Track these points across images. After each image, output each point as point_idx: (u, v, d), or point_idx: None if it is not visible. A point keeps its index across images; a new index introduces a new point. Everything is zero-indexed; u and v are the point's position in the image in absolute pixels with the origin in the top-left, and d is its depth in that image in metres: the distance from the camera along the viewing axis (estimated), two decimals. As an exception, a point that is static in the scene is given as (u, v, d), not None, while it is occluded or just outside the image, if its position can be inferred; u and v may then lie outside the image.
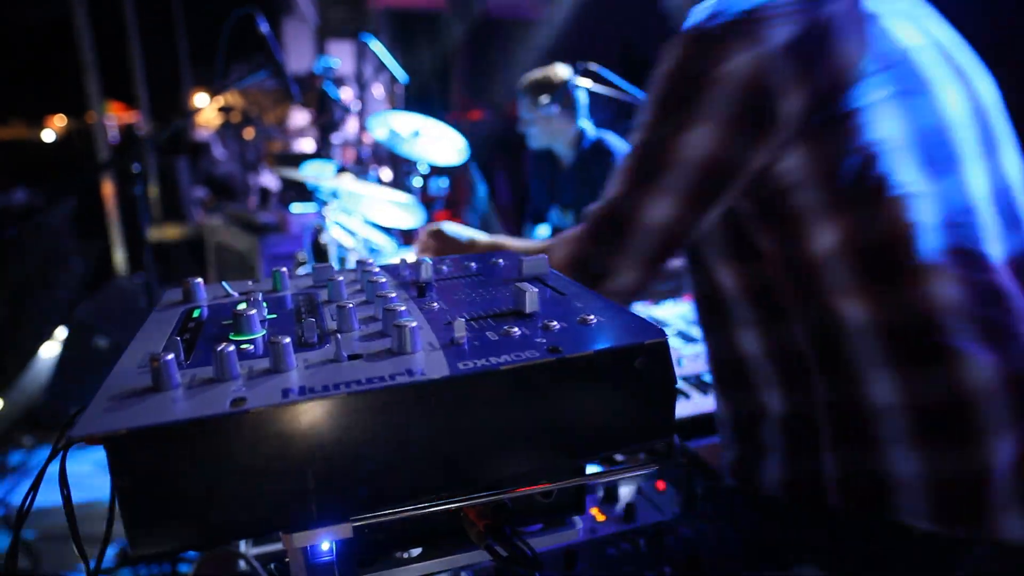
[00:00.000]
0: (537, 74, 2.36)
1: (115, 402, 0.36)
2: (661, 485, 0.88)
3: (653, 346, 0.43)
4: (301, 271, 0.59)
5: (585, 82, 2.12)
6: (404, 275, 0.59)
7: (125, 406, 0.35)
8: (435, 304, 0.50)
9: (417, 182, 3.04)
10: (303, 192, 4.38)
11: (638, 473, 0.47)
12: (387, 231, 2.82)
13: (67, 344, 2.87)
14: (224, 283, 0.56)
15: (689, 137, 0.76)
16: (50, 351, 3.81)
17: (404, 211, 2.66)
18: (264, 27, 1.98)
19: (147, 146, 1.86)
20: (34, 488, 0.50)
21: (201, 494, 0.36)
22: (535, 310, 0.47)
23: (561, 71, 2.31)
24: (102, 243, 5.54)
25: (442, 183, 3.17)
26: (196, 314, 0.51)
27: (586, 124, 2.42)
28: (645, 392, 0.44)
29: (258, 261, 3.57)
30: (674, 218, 0.79)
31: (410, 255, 1.66)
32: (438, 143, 2.91)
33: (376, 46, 3.36)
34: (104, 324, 2.89)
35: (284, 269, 0.57)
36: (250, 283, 0.59)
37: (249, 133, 9.11)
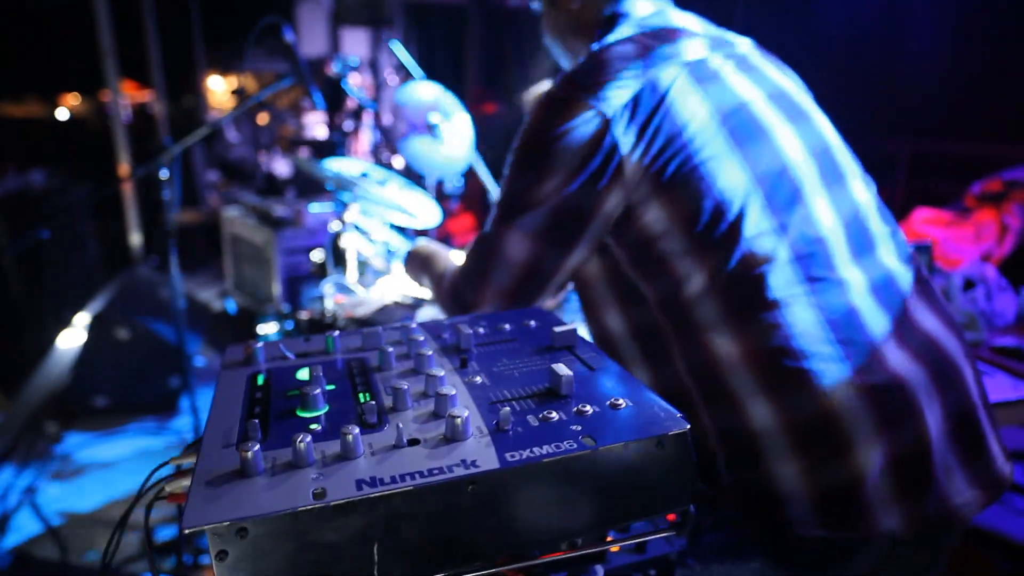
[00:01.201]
0: (541, 89, 2.38)
1: (212, 490, 0.41)
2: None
3: (677, 435, 0.48)
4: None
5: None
6: (445, 339, 0.64)
7: (222, 495, 0.41)
8: (478, 378, 0.55)
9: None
10: (315, 183, 4.42)
11: (656, 537, 0.52)
12: (403, 231, 2.87)
13: (89, 334, 2.95)
14: (281, 345, 0.62)
15: (543, 185, 0.87)
16: (71, 339, 3.89)
17: (420, 211, 2.70)
18: (289, 36, 2.01)
19: (175, 156, 1.91)
20: (118, 533, 0.56)
21: (285, 567, 0.41)
22: (570, 392, 0.52)
23: None
24: (118, 226, 5.60)
25: (457, 181, 3.20)
26: (260, 381, 0.57)
27: None
28: (667, 471, 0.50)
29: (274, 255, 3.63)
30: (533, 256, 0.89)
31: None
32: (458, 135, 2.93)
33: (396, 47, 3.37)
34: (125, 316, 2.97)
35: (336, 333, 0.62)
36: (303, 341, 0.65)
37: (263, 118, 9.14)
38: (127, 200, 5.34)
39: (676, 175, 0.86)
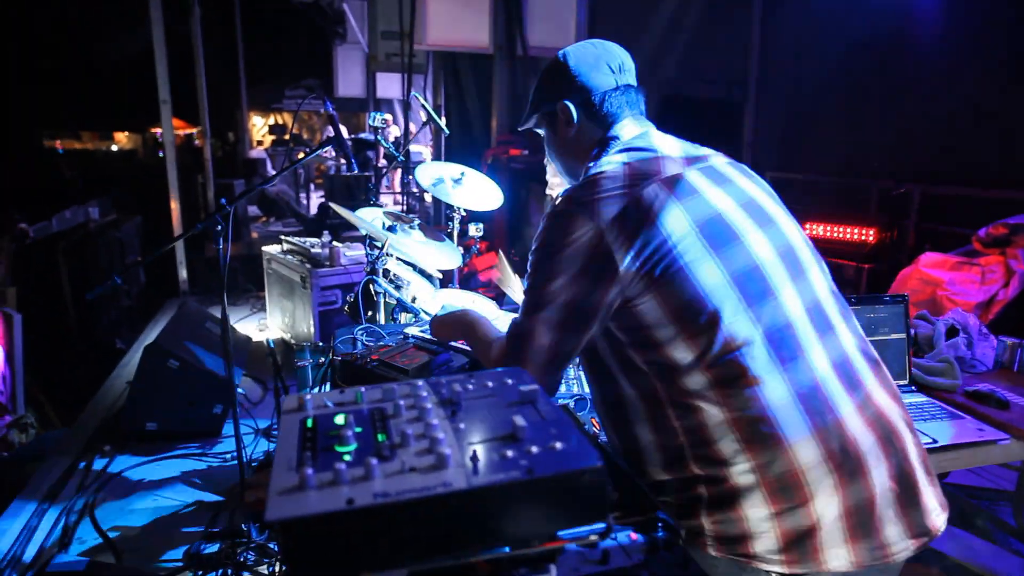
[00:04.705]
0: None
1: (282, 497, 0.65)
2: (634, 536, 1.14)
3: (593, 469, 0.70)
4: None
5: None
6: (443, 393, 0.87)
7: (289, 500, 0.64)
8: (462, 424, 0.78)
9: (456, 225, 3.35)
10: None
11: (583, 544, 0.74)
12: (427, 274, 3.13)
13: (143, 364, 3.24)
14: (325, 397, 0.86)
15: (554, 284, 1.09)
16: (125, 367, 4.22)
17: (443, 254, 2.96)
18: (329, 107, 2.31)
19: (229, 213, 2.19)
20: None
21: (326, 551, 0.64)
22: (523, 437, 0.75)
23: None
24: (166, 260, 5.99)
25: (478, 228, 3.46)
26: (309, 424, 0.80)
27: None
28: (587, 493, 0.72)
29: (310, 291, 3.93)
30: (555, 340, 1.11)
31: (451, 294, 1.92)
32: (478, 190, 3.21)
33: (420, 98, 3.69)
34: (176, 349, 3.26)
35: (364, 389, 0.86)
36: (338, 394, 0.88)
37: (301, 155, 9.62)
38: (176, 236, 5.74)
39: (663, 275, 1.05)
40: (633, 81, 1.29)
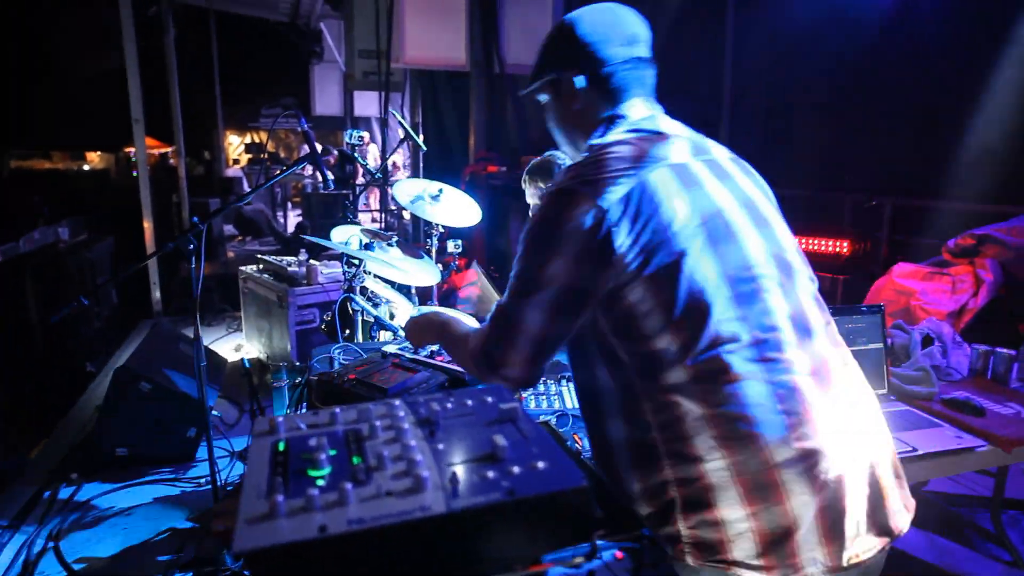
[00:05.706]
0: (538, 161, 2.58)
1: (251, 527, 0.61)
2: (619, 555, 1.12)
3: (577, 489, 0.68)
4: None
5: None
6: (421, 412, 0.85)
7: (258, 530, 0.61)
8: (440, 445, 0.76)
9: (435, 242, 3.32)
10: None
11: (568, 565, 0.71)
12: (406, 291, 3.09)
13: (113, 387, 3.14)
14: (297, 419, 0.82)
15: (552, 267, 1.05)
16: (95, 391, 4.10)
17: (422, 270, 2.92)
18: (304, 124, 2.28)
19: (201, 231, 2.14)
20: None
21: (298, 581, 0.61)
22: (504, 456, 0.72)
23: (561, 156, 2.54)
24: (139, 280, 5.86)
25: (456, 245, 3.44)
26: (281, 447, 0.77)
27: None
28: (572, 514, 0.69)
29: (287, 310, 3.87)
30: (546, 326, 1.07)
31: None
32: (456, 206, 3.19)
33: (396, 115, 3.68)
34: (147, 370, 3.17)
35: (338, 410, 0.83)
36: (312, 415, 0.85)
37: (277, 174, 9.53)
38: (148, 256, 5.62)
39: (660, 265, 1.03)
40: (647, 53, 1.24)
